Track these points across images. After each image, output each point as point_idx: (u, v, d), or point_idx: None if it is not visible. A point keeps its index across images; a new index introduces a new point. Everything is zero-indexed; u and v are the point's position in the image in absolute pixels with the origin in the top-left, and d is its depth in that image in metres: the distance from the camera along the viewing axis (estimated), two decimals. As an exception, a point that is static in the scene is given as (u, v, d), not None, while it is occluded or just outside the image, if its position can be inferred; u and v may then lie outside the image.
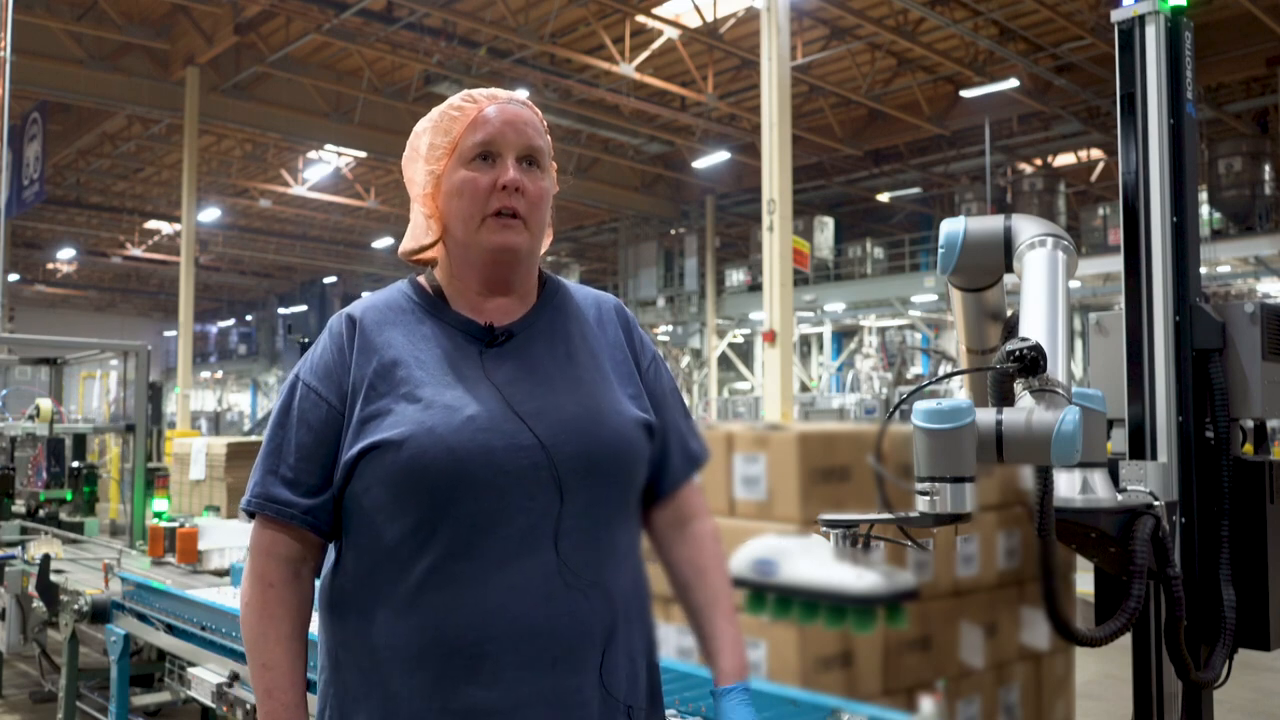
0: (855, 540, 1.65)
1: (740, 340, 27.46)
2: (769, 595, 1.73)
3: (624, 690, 1.32)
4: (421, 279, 1.42)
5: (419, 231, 1.40)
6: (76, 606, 3.93)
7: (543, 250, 1.45)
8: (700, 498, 1.50)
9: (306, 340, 4.74)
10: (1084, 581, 2.85)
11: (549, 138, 1.42)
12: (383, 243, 29.52)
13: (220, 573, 4.31)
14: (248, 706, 2.83)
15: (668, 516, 1.47)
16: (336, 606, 1.33)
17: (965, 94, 17.83)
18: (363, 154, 21.50)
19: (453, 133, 1.36)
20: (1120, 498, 2.29)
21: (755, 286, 21.41)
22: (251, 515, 1.35)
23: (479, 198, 1.33)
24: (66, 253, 31.88)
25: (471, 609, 1.24)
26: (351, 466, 1.29)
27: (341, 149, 21.43)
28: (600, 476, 1.31)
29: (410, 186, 1.42)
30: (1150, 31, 2.63)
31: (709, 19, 16.20)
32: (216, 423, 25.85)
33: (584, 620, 1.27)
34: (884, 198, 25.09)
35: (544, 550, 1.26)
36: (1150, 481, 2.50)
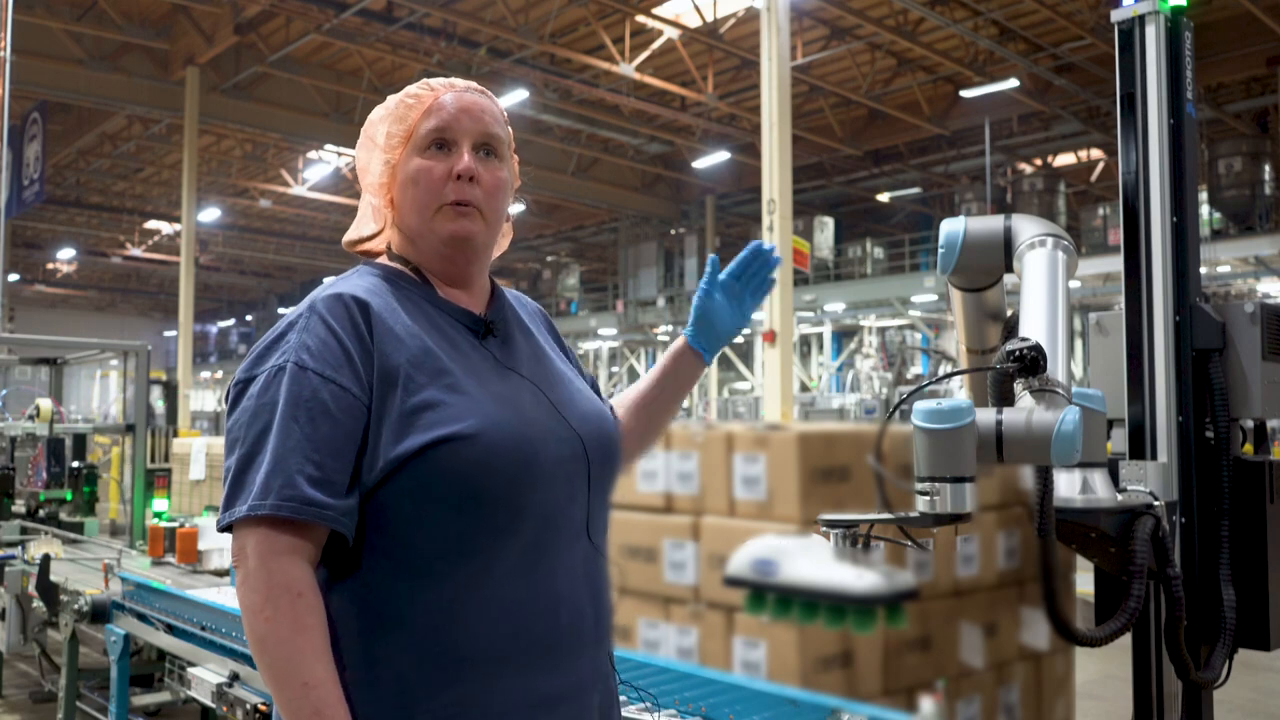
0: (855, 540, 1.65)
1: (740, 340, 27.46)
2: (769, 595, 1.73)
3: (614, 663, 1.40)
4: (394, 264, 1.36)
5: (362, 221, 1.39)
6: (76, 606, 3.93)
7: (501, 248, 1.43)
8: None
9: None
10: (1084, 581, 2.85)
11: (509, 129, 1.40)
12: (383, 243, 29.49)
13: (220, 573, 4.31)
14: (248, 706, 2.83)
15: None
16: (372, 615, 1.20)
17: (965, 94, 17.83)
18: (363, 154, 21.47)
19: (408, 120, 1.33)
20: (1120, 498, 2.29)
21: (755, 286, 21.34)
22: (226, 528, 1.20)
23: (434, 187, 1.30)
24: (66, 253, 31.89)
25: (540, 599, 1.24)
26: (403, 462, 1.18)
27: (341, 149, 21.43)
28: (610, 466, 1.37)
29: (363, 175, 1.39)
30: (1150, 31, 2.63)
31: (709, 19, 16.20)
32: (217, 423, 25.82)
33: (608, 600, 1.34)
34: (884, 198, 25.09)
35: (583, 537, 1.31)
36: (1150, 481, 2.50)
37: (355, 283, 1.31)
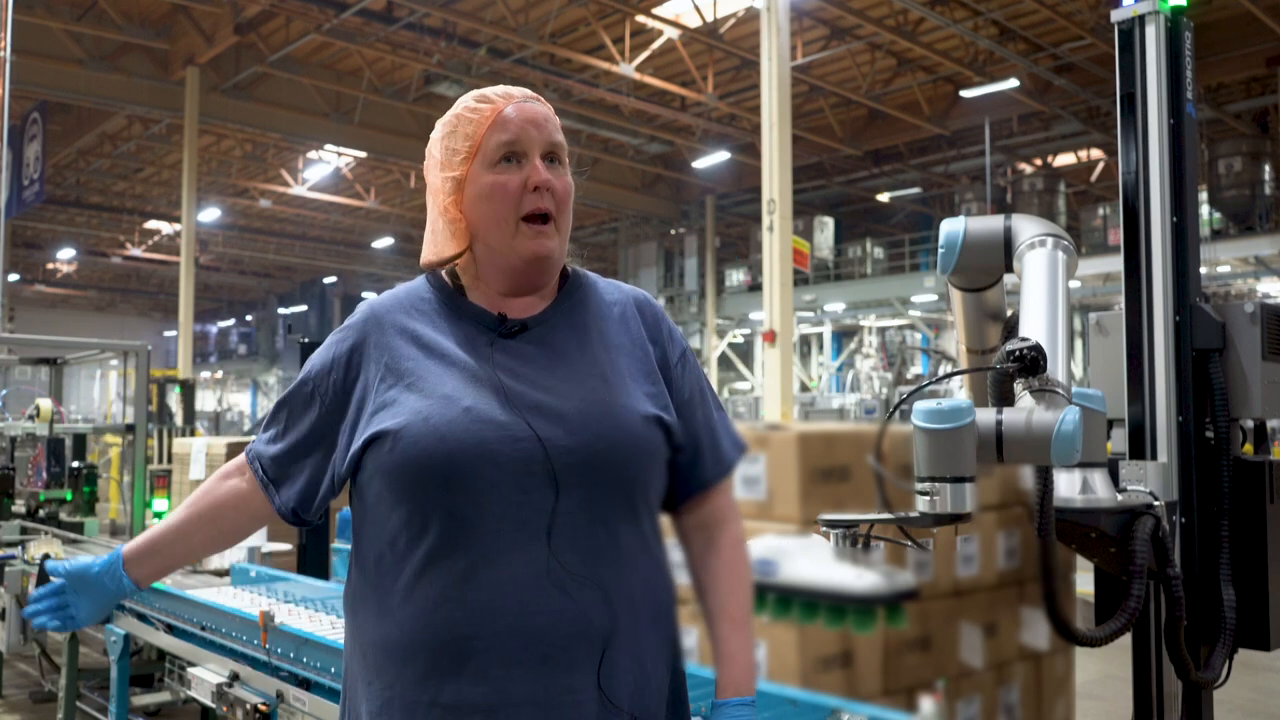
0: (855, 540, 1.66)
1: (740, 340, 27.47)
2: (769, 595, 1.73)
3: (628, 695, 1.27)
4: (442, 273, 1.42)
5: (441, 241, 1.36)
6: (76, 606, 3.92)
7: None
8: (731, 502, 1.46)
9: (306, 340, 4.73)
10: (1084, 581, 2.85)
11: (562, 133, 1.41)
12: (383, 243, 29.53)
13: (220, 573, 4.30)
14: (248, 706, 2.83)
15: (695, 519, 1.43)
16: (350, 598, 1.35)
17: (965, 94, 17.83)
18: (363, 154, 21.50)
19: (474, 136, 1.34)
20: (1120, 498, 2.29)
21: (755, 286, 21.42)
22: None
23: (510, 200, 1.31)
24: (66, 253, 31.89)
25: (461, 603, 1.23)
26: (358, 458, 1.31)
27: (341, 149, 21.43)
28: (600, 473, 1.27)
29: (431, 193, 1.39)
30: (1150, 31, 2.63)
31: (709, 19, 16.20)
32: (216, 423, 25.81)
33: (576, 620, 1.23)
34: (884, 198, 25.09)
35: (535, 546, 1.23)
36: (1150, 481, 2.50)
37: (394, 290, 1.44)
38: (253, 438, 1.52)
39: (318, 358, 1.40)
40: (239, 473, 1.44)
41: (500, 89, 1.39)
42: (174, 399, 13.96)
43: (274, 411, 1.43)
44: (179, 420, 13.20)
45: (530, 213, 1.31)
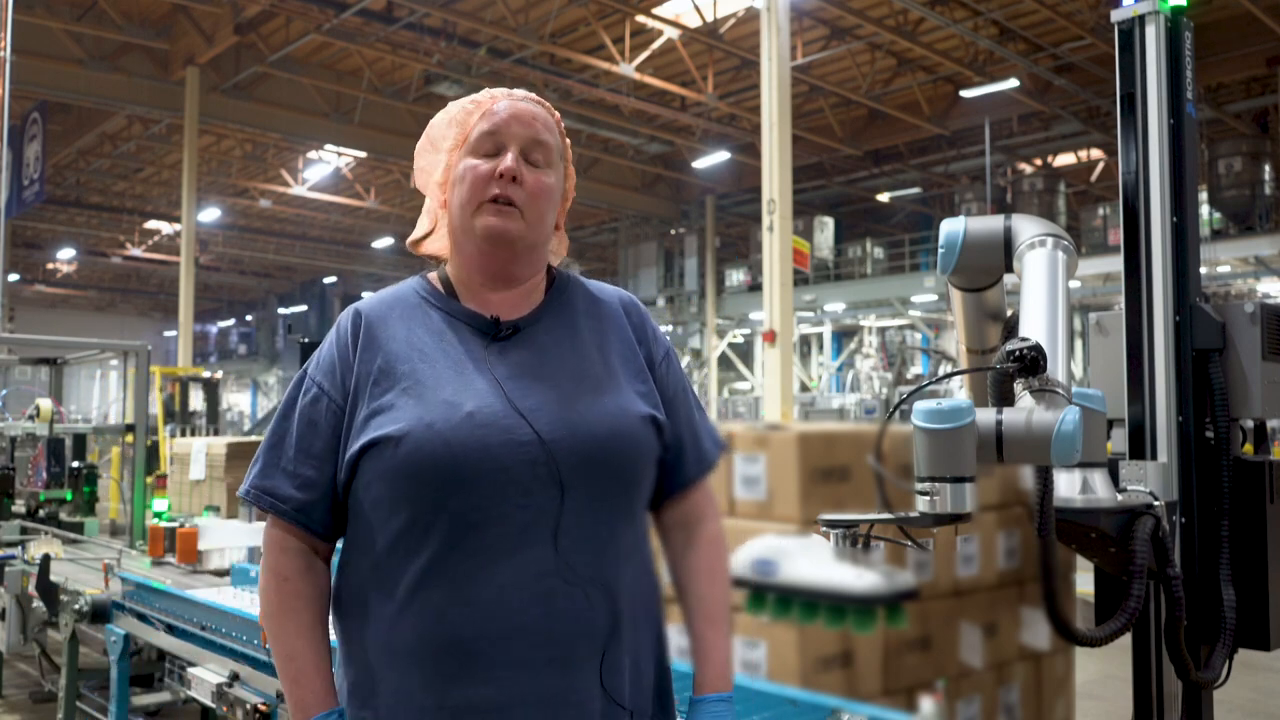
0: (855, 540, 1.66)
1: (740, 340, 27.46)
2: (769, 595, 1.73)
3: (628, 693, 1.29)
4: (433, 275, 1.43)
5: (421, 221, 1.44)
6: (76, 606, 3.92)
7: (556, 251, 1.45)
8: (710, 500, 1.47)
9: (306, 340, 4.74)
10: (1084, 581, 2.85)
11: (562, 140, 1.43)
12: (383, 243, 29.52)
13: (220, 573, 4.30)
14: (248, 706, 2.83)
15: (675, 517, 1.45)
16: (343, 603, 1.33)
17: (965, 94, 17.83)
18: (363, 154, 21.50)
19: (466, 125, 1.39)
20: (1120, 498, 2.29)
21: (755, 286, 21.41)
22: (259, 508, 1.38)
23: (478, 184, 1.34)
24: (66, 253, 31.89)
25: (466, 606, 1.23)
26: (354, 463, 1.29)
27: (341, 149, 21.43)
28: (602, 473, 1.29)
29: (422, 176, 1.44)
30: (1150, 31, 2.63)
31: (709, 19, 16.20)
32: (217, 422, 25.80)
33: (582, 619, 1.25)
34: (884, 198, 25.09)
35: (542, 547, 1.24)
36: (1150, 481, 2.50)
37: (381, 293, 1.43)
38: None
39: (320, 370, 1.35)
40: (286, 551, 1.34)
41: (506, 89, 1.43)
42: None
43: (278, 440, 1.34)
44: (200, 419, 13.12)
45: (494, 198, 1.33)
